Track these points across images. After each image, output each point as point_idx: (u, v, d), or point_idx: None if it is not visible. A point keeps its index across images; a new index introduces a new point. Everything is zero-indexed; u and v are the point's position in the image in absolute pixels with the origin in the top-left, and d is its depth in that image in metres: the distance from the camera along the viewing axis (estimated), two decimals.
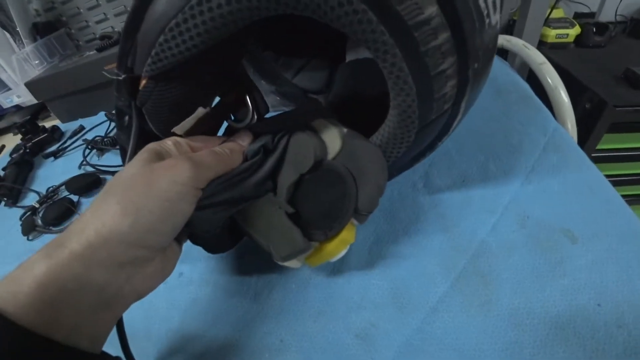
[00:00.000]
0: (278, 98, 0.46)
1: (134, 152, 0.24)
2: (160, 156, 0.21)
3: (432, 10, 0.16)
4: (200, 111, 0.23)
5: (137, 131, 0.24)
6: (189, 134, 0.25)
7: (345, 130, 0.24)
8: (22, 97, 0.93)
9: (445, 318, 0.24)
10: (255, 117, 0.31)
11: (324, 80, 0.40)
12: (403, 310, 0.24)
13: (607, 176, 0.32)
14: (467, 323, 0.23)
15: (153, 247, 0.19)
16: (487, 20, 0.18)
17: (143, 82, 0.22)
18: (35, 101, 0.92)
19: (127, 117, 0.26)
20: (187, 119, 0.23)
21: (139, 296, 0.20)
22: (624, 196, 0.30)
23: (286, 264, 0.24)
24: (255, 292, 0.29)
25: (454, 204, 0.31)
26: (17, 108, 1.01)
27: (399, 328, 0.24)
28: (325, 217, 0.23)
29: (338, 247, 0.23)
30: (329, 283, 0.27)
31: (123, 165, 0.29)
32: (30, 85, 0.83)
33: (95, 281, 0.17)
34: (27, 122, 0.76)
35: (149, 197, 0.18)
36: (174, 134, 0.25)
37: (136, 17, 0.19)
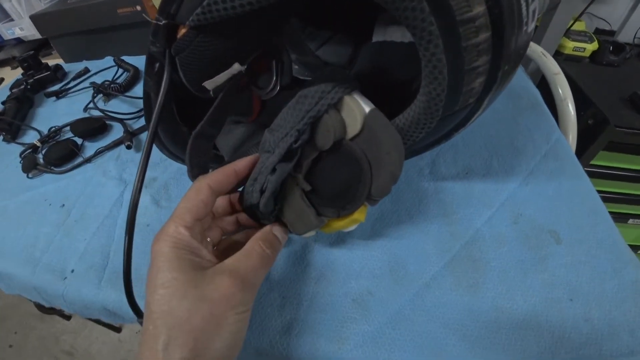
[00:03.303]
0: (297, 67, 0.46)
1: (163, 103, 0.24)
2: (193, 263, 0.20)
3: (479, 9, 0.17)
4: (236, 68, 0.23)
5: (168, 79, 0.24)
6: (218, 91, 0.26)
7: (367, 110, 0.23)
8: (25, 30, 0.89)
9: (436, 293, 0.26)
10: (278, 86, 0.31)
11: (348, 56, 0.40)
12: (399, 283, 0.27)
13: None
14: (455, 300, 0.26)
15: None
16: (524, 28, 0.19)
17: (182, 31, 0.22)
18: (38, 36, 0.88)
19: (157, 64, 0.26)
20: (220, 74, 0.24)
21: None
22: (609, 213, 0.32)
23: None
24: None
25: (455, 193, 0.33)
26: (18, 41, 0.97)
27: (393, 298, 0.26)
28: (339, 197, 0.24)
29: (349, 224, 0.24)
30: (332, 250, 0.29)
31: (146, 112, 0.30)
32: (36, 19, 0.79)
33: None
34: (30, 57, 0.73)
35: (221, 338, 0.19)
36: (204, 88, 0.26)
37: None
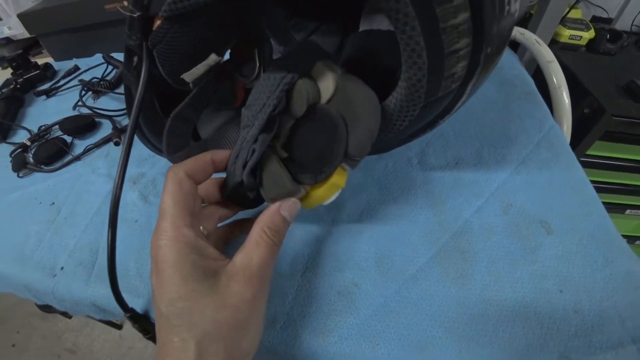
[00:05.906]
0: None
1: (143, 95, 0.24)
2: (205, 268, 0.20)
3: None
4: (213, 59, 0.23)
5: (147, 73, 0.24)
6: (197, 83, 0.25)
7: (339, 72, 0.23)
8: (14, 29, 0.87)
9: (422, 285, 0.26)
10: (262, 74, 0.31)
11: (335, 47, 0.39)
12: (385, 275, 0.26)
13: (591, 182, 0.34)
14: (442, 292, 0.25)
15: None
16: (507, 8, 0.18)
17: (158, 22, 0.22)
18: (27, 35, 0.87)
19: (136, 58, 0.25)
20: (198, 66, 0.23)
21: None
22: (604, 203, 0.32)
23: None
24: None
25: (444, 183, 0.32)
26: (7, 41, 0.96)
27: (379, 290, 0.26)
28: (316, 160, 0.23)
29: (329, 191, 0.23)
30: (319, 242, 0.29)
31: (127, 107, 0.29)
32: (24, 17, 0.78)
33: None
34: (19, 57, 0.72)
35: (248, 337, 0.20)
36: (183, 81, 0.25)
37: None
